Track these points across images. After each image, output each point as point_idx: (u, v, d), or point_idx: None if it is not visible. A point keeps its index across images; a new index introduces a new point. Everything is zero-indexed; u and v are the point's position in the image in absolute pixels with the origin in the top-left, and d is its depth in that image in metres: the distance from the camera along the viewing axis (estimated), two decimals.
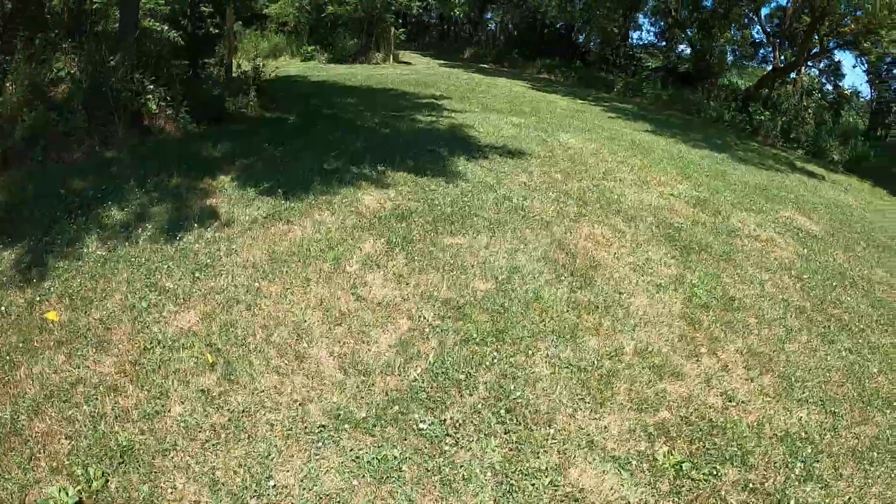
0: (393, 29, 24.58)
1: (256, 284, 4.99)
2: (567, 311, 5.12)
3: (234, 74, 11.89)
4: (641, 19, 30.93)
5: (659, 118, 17.91)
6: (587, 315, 5.12)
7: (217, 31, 13.41)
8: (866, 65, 21.79)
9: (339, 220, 6.19)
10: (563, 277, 5.66)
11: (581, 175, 8.92)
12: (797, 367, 5.02)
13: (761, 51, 27.31)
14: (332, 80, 17.21)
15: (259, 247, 5.55)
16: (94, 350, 4.15)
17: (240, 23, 28.23)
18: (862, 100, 24.49)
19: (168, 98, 9.00)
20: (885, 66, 21.42)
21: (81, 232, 5.58)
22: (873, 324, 6.14)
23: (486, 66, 27.89)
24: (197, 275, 5.08)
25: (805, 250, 7.85)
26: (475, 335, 4.60)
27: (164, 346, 4.24)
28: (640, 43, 31.94)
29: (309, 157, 8.06)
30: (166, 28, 12.81)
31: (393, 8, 24.68)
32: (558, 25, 31.26)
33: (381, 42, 24.74)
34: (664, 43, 30.21)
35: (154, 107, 9.08)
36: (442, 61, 27.15)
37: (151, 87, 8.97)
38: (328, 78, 17.88)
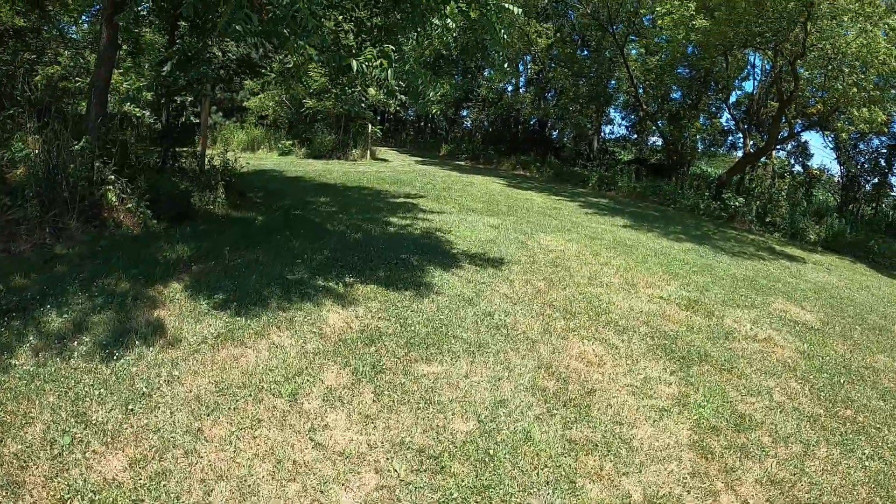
0: (370, 126, 24.50)
1: (198, 424, 4.17)
2: (562, 453, 4.34)
3: (206, 167, 11.30)
4: (613, 113, 31.42)
5: (636, 211, 17.70)
6: (585, 456, 4.34)
7: (196, 120, 13.00)
8: (834, 142, 21.99)
9: (299, 344, 5.42)
10: (555, 410, 4.91)
11: (565, 282, 8.33)
12: (822, 491, 4.38)
13: (730, 137, 27.70)
14: (308, 177, 16.80)
15: (205, 374, 4.75)
16: (3, 494, 3.32)
17: (220, 114, 28.19)
18: (831, 177, 24.71)
19: (129, 190, 8.36)
20: (852, 142, 21.65)
21: (14, 338, 4.82)
22: (888, 420, 5.70)
23: (462, 162, 27.90)
24: (131, 407, 4.26)
25: (805, 346, 7.42)
26: (455, 493, 3.78)
27: (82, 499, 3.39)
28: (612, 136, 32.38)
29: (272, 264, 7.38)
30: (147, 114, 12.30)
31: (371, 105, 24.65)
32: (532, 122, 31.64)
33: (359, 138, 24.61)
34: (635, 135, 30.61)
35: (114, 199, 8.44)
36: (419, 158, 27.11)
37: (113, 177, 8.35)
38: (304, 174, 17.46)
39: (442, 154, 30.98)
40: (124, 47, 11.47)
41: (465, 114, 35.87)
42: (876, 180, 22.53)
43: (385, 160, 24.80)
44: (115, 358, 4.80)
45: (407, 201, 13.54)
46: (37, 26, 13.70)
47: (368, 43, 7.79)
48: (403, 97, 24.68)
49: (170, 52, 10.15)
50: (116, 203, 8.44)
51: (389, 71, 6.23)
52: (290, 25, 5.58)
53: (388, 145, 33.24)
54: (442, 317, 6.45)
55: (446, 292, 7.22)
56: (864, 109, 16.02)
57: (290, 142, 24.65)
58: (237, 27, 5.33)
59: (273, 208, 10.88)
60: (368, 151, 24.47)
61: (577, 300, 7.64)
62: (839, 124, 18.55)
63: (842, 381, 6.47)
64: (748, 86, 38.83)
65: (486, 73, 31.85)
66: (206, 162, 11.45)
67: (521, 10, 7.75)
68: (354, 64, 6.28)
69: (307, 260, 7.72)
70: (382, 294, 6.87)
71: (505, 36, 7.61)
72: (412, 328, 6.06)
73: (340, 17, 8.57)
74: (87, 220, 8.09)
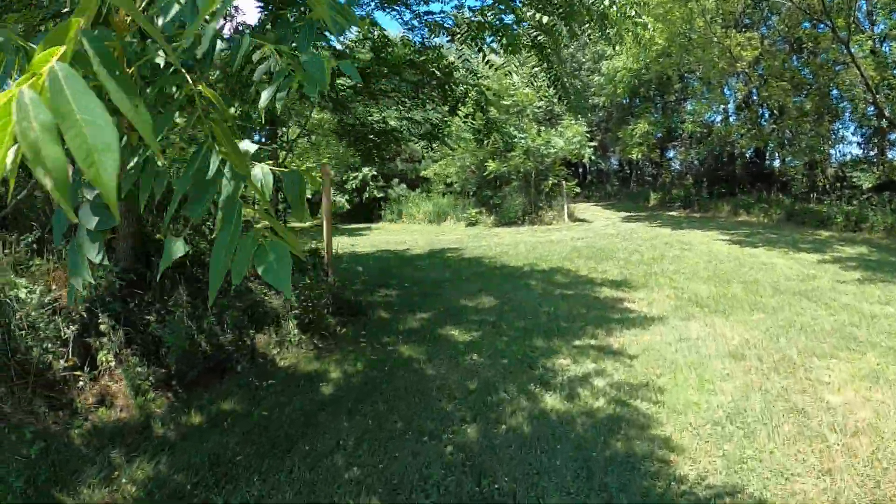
0: (564, 182, 19.88)
1: None
2: None
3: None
4: (842, 129, 23.17)
5: None
6: None
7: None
8: None
9: None
10: None
11: None
12: None
13: None
14: (488, 257, 12.60)
15: None
16: None
17: (403, 186, 25.37)
18: None
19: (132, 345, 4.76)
20: None
21: None
22: None
23: (674, 213, 22.16)
24: None
25: None
26: None
27: None
28: (843, 158, 23.74)
29: None
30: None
31: (564, 159, 20.13)
32: (747, 154, 24.70)
33: (553, 198, 20.11)
34: (873, 152, 21.96)
35: (108, 358, 4.83)
36: (624, 214, 21.90)
37: (104, 322, 4.77)
38: (484, 252, 13.26)
39: (651, 204, 25.37)
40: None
41: (671, 155, 29.54)
42: None
43: (585, 220, 19.98)
44: None
45: (600, 296, 8.67)
46: None
47: None
48: (593, 146, 19.97)
49: None
50: (110, 364, 4.78)
51: None
52: None
53: (590, 200, 28.32)
54: None
55: None
56: None
57: (477, 210, 20.88)
58: None
59: (398, 330, 6.76)
60: (566, 212, 19.79)
61: None
62: None
63: None
64: None
65: (688, 107, 25.61)
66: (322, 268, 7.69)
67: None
68: None
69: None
70: None
71: None
72: None
73: None
74: (51, 398, 4.50)
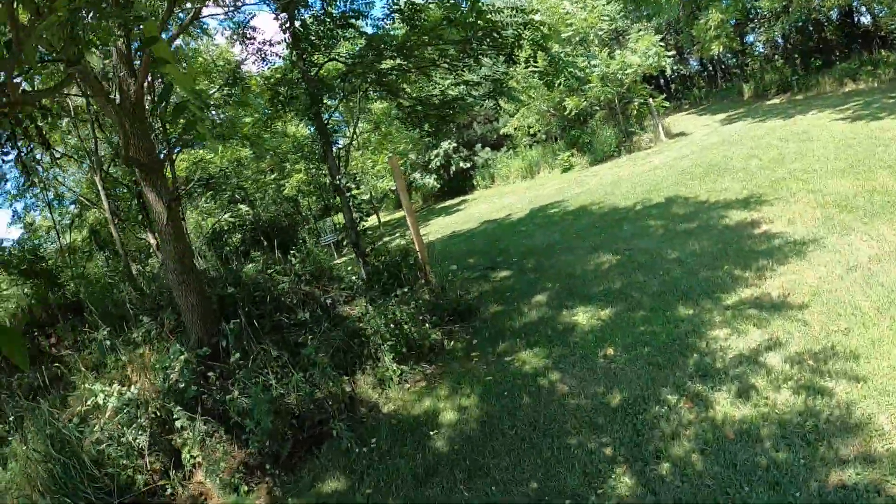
0: (651, 100, 17.88)
1: None
2: None
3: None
4: None
5: None
6: None
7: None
8: None
9: None
10: None
11: None
12: None
13: None
14: (593, 203, 11.30)
15: None
16: None
17: (487, 149, 24.03)
18: None
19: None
20: None
21: None
22: None
23: (775, 101, 19.50)
24: None
25: None
26: None
27: None
28: None
29: None
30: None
31: (643, 77, 18.14)
32: (832, 16, 21.30)
33: (643, 118, 18.19)
34: None
35: (192, 453, 4.18)
36: (721, 115, 19.50)
37: (180, 415, 4.16)
38: (588, 199, 11.92)
39: (746, 98, 22.56)
40: None
41: (750, 40, 25.88)
42: None
43: (683, 134, 17.88)
44: None
45: (730, 223, 7.16)
46: None
47: None
48: (671, 55, 17.80)
49: None
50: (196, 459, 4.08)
51: None
52: None
53: (681, 110, 25.68)
54: None
55: None
56: None
57: (569, 153, 19.29)
58: None
59: (514, 329, 5.76)
60: (661, 130, 17.81)
61: None
62: None
63: None
64: None
65: None
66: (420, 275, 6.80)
67: None
68: None
69: None
70: None
71: None
72: None
73: None
74: None
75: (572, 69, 7.77)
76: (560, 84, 7.78)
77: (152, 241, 12.90)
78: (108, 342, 5.41)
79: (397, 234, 15.19)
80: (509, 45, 7.20)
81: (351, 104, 11.99)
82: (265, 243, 20.39)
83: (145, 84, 11.86)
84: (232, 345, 5.04)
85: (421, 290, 6.45)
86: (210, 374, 4.95)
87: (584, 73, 15.40)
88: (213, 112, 14.76)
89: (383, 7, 8.21)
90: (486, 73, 8.54)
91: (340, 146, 8.37)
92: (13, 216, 13.94)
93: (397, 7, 7.62)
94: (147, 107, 6.32)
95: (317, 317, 6.16)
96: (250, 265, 7.50)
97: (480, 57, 8.07)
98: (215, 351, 5.13)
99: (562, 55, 7.58)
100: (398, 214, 24.13)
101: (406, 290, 6.13)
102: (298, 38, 7.87)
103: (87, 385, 4.69)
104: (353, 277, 7.13)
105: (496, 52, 7.40)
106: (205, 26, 12.63)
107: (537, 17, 7.51)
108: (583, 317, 5.52)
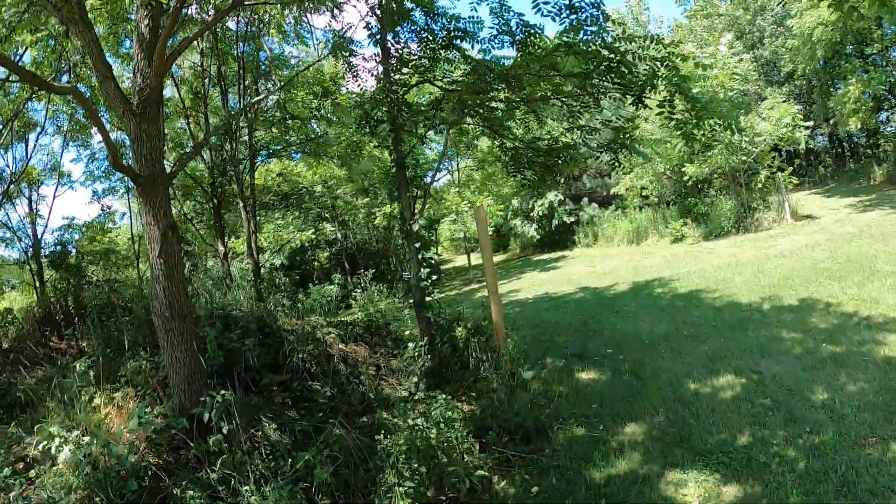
0: (779, 174, 15.56)
1: None
2: None
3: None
4: None
5: None
6: None
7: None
8: None
9: None
10: None
11: None
12: None
13: None
14: (708, 290, 9.42)
15: None
16: None
17: (594, 205, 22.17)
18: None
19: None
20: None
21: None
22: None
23: None
24: None
25: None
26: None
27: None
28: None
29: None
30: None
31: (774, 147, 15.91)
32: None
33: (767, 194, 15.88)
34: None
35: None
36: (851, 199, 16.80)
37: None
38: (699, 283, 10.07)
39: (877, 182, 19.59)
40: None
41: (883, 118, 22.47)
42: None
43: (811, 217, 15.38)
44: None
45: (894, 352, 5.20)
46: None
47: None
48: (808, 125, 15.47)
49: None
50: None
51: None
52: None
53: (803, 188, 22.71)
54: None
55: None
56: None
57: (681, 222, 17.20)
58: None
59: (594, 482, 4.03)
60: (787, 210, 15.41)
61: None
62: None
63: None
64: None
65: None
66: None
67: None
68: None
69: None
70: None
71: None
72: None
73: None
74: None
75: (731, 120, 6.00)
76: (701, 136, 6.02)
77: (220, 248, 12.02)
78: (91, 372, 4.18)
79: (482, 286, 13.63)
80: (639, 85, 5.58)
81: (441, 136, 10.73)
82: (347, 266, 19.53)
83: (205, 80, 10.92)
84: (216, 420, 3.63)
85: (486, 380, 4.87)
86: (182, 451, 3.63)
87: (744, 130, 13.36)
88: (314, 124, 13.92)
89: (491, 28, 6.91)
90: (606, 118, 6.96)
91: (428, 181, 6.91)
92: (93, 195, 13.95)
93: (507, 29, 6.20)
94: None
95: (345, 393, 4.71)
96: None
97: (601, 97, 6.49)
98: (199, 422, 3.75)
99: (704, 100, 5.86)
100: (496, 258, 22.67)
101: (470, 379, 4.57)
102: (388, 53, 6.58)
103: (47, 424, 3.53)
104: (411, 345, 5.63)
105: (622, 92, 5.79)
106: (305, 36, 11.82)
107: (681, 50, 5.86)
108: (695, 490, 3.68)
